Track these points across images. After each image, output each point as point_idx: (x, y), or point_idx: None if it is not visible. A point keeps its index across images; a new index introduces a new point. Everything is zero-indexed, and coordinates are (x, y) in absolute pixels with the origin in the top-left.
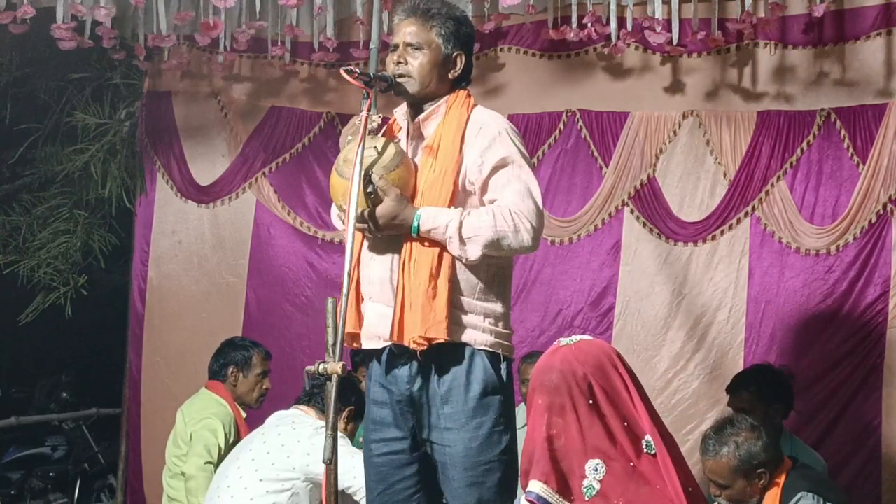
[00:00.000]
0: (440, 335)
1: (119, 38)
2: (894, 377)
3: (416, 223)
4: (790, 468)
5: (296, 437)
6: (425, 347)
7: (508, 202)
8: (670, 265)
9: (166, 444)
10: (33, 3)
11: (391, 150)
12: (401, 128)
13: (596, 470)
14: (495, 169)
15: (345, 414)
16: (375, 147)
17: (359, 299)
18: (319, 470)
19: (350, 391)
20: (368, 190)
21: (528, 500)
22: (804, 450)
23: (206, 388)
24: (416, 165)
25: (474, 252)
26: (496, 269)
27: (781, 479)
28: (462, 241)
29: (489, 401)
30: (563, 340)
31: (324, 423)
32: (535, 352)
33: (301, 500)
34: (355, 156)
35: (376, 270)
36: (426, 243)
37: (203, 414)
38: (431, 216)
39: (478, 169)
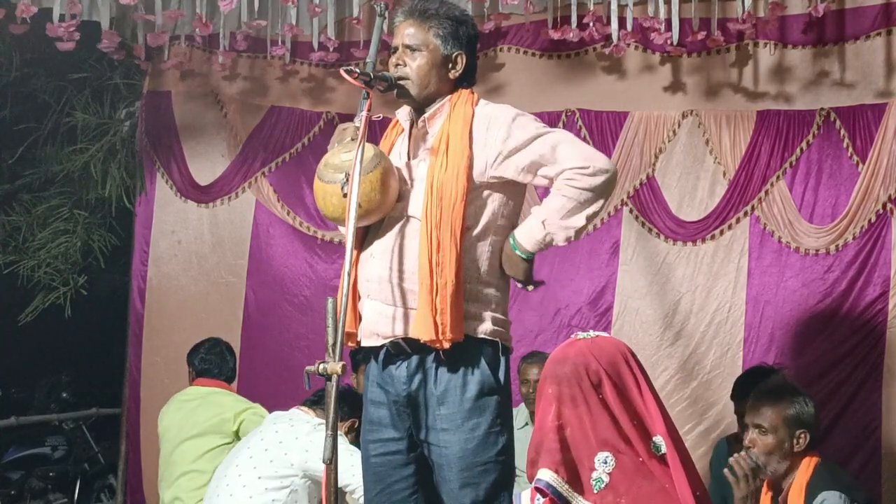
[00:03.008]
0: (459, 335)
1: (119, 38)
2: (894, 377)
3: (519, 252)
4: (819, 462)
5: (293, 435)
6: (448, 347)
7: (563, 166)
8: (669, 265)
9: (175, 444)
10: (33, 2)
11: (369, 152)
12: (403, 129)
13: (605, 462)
14: (526, 149)
15: (347, 424)
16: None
17: (355, 297)
18: (317, 466)
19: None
20: (345, 191)
21: (536, 488)
22: None
23: (220, 388)
24: (409, 168)
25: (579, 223)
26: (499, 253)
27: (810, 468)
28: (563, 228)
29: (486, 402)
30: (581, 334)
31: (322, 421)
32: (534, 352)
33: (300, 498)
34: (355, 156)
35: (375, 269)
36: (447, 241)
37: (245, 404)
38: (524, 235)
39: (503, 160)
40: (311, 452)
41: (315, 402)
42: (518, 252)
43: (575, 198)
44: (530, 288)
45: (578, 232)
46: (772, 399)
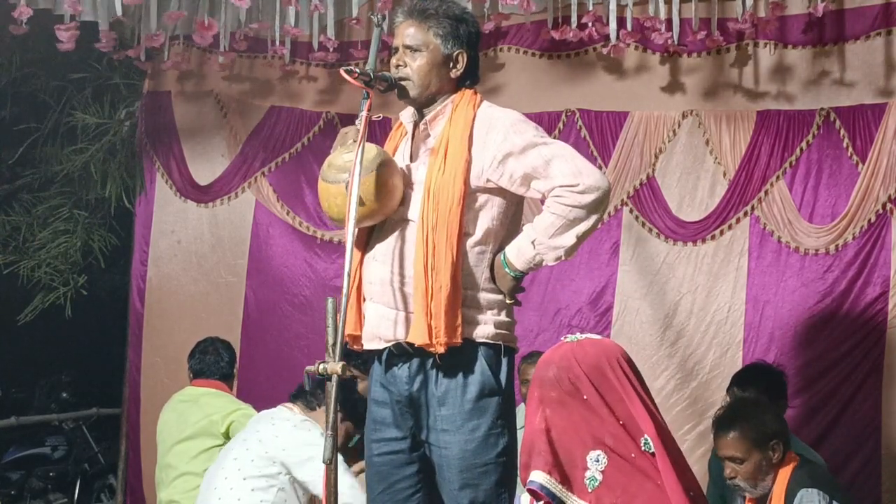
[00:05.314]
0: (457, 339)
1: (118, 39)
2: (894, 377)
3: (509, 271)
4: (797, 464)
5: (274, 433)
6: (443, 351)
7: (554, 183)
8: (669, 265)
9: (169, 446)
10: (31, 3)
11: (370, 152)
12: (406, 132)
13: (597, 461)
14: (521, 157)
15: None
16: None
17: (360, 300)
18: (296, 460)
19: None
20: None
21: (529, 490)
22: (804, 449)
23: (214, 389)
24: (410, 171)
25: (568, 242)
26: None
27: (788, 473)
28: (553, 248)
29: (486, 403)
30: (570, 337)
31: (304, 418)
32: (534, 352)
33: (289, 497)
34: (355, 155)
35: (377, 272)
36: (442, 245)
37: (235, 405)
38: (514, 253)
39: (498, 165)
40: (288, 451)
41: (296, 395)
42: (508, 270)
43: (563, 215)
44: (509, 301)
45: (569, 251)
46: (732, 428)
